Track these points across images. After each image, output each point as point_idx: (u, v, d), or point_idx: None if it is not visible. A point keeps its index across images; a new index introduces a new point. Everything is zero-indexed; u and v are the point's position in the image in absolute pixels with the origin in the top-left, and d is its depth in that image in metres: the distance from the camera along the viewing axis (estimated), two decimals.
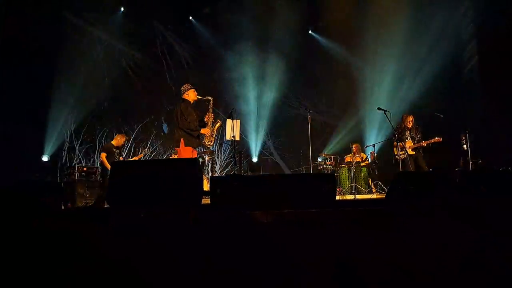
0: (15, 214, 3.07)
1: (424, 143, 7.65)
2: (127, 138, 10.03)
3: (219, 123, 6.63)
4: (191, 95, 6.40)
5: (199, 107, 6.71)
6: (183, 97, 6.42)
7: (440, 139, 7.67)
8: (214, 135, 6.56)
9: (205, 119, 6.52)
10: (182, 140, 6.05)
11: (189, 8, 12.62)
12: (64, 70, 10.90)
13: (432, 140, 7.66)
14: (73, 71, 11.20)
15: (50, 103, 10.75)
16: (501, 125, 9.69)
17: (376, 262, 2.47)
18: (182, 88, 6.50)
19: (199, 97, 6.57)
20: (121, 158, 8.60)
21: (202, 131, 6.37)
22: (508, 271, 2.45)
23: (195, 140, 6.24)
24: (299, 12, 12.58)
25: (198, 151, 7.29)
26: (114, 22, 12.01)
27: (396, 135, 7.77)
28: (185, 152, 6.03)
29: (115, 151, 8.37)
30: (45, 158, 10.56)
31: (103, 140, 11.69)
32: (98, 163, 8.60)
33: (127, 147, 11.75)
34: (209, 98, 6.65)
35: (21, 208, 3.22)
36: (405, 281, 2.41)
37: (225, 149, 12.64)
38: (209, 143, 6.51)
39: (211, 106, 6.63)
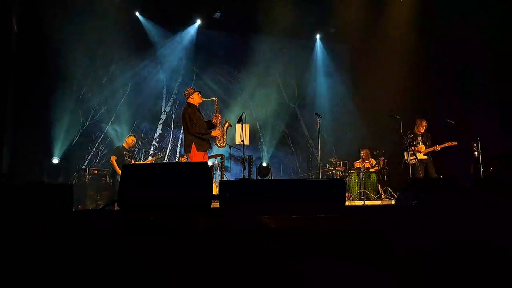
0: (26, 215, 3.10)
1: (438, 147, 7.59)
2: (137, 138, 10.05)
3: (227, 123, 6.56)
4: (195, 98, 6.38)
5: (205, 108, 6.67)
6: (188, 101, 6.39)
7: (456, 143, 7.61)
8: (225, 136, 6.52)
9: (213, 121, 6.48)
10: (193, 145, 6.03)
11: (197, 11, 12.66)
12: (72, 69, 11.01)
13: (447, 144, 7.60)
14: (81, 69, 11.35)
15: (60, 103, 10.82)
16: None
17: (385, 268, 2.46)
18: (186, 92, 6.47)
19: (204, 99, 6.55)
20: (132, 161, 8.64)
21: (213, 133, 6.33)
22: None
23: (206, 143, 6.24)
24: (308, 16, 12.59)
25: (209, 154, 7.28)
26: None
27: (408, 140, 7.73)
28: (197, 157, 6.02)
29: (125, 154, 8.43)
30: (55, 161, 10.58)
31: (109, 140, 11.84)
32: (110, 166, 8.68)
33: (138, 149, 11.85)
34: (214, 98, 6.62)
35: (32, 210, 3.26)
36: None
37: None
38: (220, 144, 6.47)
39: (217, 106, 6.58)
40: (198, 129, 6.10)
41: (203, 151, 6.13)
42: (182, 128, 6.41)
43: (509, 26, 9.59)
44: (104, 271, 2.35)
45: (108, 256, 2.43)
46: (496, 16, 9.95)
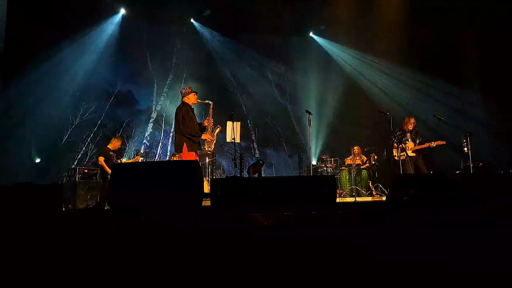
0: (16, 215, 3.07)
1: (433, 144, 7.65)
2: (122, 141, 9.98)
3: (219, 129, 6.56)
4: (191, 99, 6.34)
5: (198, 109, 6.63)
6: (183, 100, 6.35)
7: (444, 142, 7.68)
8: (214, 141, 6.50)
9: (205, 124, 6.45)
10: (185, 145, 5.98)
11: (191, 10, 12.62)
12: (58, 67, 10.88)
13: (439, 142, 7.67)
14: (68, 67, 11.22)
15: (48, 102, 10.67)
16: (502, 127, 9.69)
17: (376, 264, 2.47)
18: (183, 91, 6.42)
19: (199, 100, 6.51)
20: (120, 161, 8.60)
21: (204, 136, 6.29)
22: (507, 270, 2.44)
23: (197, 145, 6.20)
24: (299, 14, 12.60)
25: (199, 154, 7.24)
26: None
27: (396, 137, 7.77)
28: (189, 157, 5.98)
29: (112, 155, 8.40)
30: (37, 160, 10.39)
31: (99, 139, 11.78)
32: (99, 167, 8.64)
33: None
34: (209, 102, 6.59)
35: (22, 210, 3.23)
36: (405, 283, 2.41)
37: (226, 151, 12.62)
38: (209, 148, 6.44)
39: (211, 110, 6.56)
40: (189, 130, 6.06)
41: (194, 152, 6.09)
42: (173, 126, 6.34)
43: (497, 24, 9.69)
44: (95, 268, 2.33)
45: (99, 255, 2.42)
46: (484, 14, 10.05)
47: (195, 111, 6.55)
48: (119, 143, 8.81)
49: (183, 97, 6.38)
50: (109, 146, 8.58)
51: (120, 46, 12.14)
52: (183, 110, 6.16)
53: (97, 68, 12.03)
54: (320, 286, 2.32)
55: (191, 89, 6.45)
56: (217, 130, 6.53)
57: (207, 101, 6.62)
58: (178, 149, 6.09)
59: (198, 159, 6.31)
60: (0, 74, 9.02)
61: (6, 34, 9.10)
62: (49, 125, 10.66)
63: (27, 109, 10.03)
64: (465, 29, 10.93)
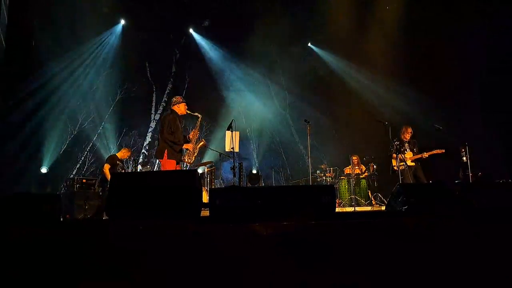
0: (13, 225, 3.05)
1: (425, 155, 7.63)
2: (131, 153, 9.95)
3: (202, 142, 6.45)
4: (181, 108, 6.29)
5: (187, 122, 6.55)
6: (172, 108, 6.31)
7: (443, 150, 7.65)
8: (195, 153, 6.36)
9: (190, 137, 6.38)
10: (166, 152, 5.91)
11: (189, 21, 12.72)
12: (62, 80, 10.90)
13: (434, 152, 7.64)
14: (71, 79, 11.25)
15: (48, 112, 10.67)
16: (501, 137, 9.70)
17: (376, 274, 2.46)
18: (174, 99, 6.39)
19: (189, 112, 6.44)
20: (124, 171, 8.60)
21: (185, 146, 6.20)
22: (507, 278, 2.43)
23: (178, 154, 6.09)
24: (298, 25, 12.69)
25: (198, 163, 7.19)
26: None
27: (395, 147, 7.75)
28: (169, 165, 5.90)
29: (118, 164, 8.37)
30: (43, 170, 10.41)
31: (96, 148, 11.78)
32: (100, 174, 8.58)
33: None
34: (198, 115, 6.51)
35: (19, 219, 3.21)
36: None
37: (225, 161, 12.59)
38: (189, 160, 6.28)
39: (198, 123, 6.51)
40: (171, 137, 5.99)
41: (175, 160, 6.00)
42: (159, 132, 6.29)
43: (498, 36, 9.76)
44: (93, 279, 2.31)
45: (96, 265, 2.40)
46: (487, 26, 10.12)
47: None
48: (128, 153, 8.82)
49: (172, 105, 6.34)
50: (117, 155, 8.57)
51: (120, 55, 12.21)
52: (170, 117, 6.13)
53: (97, 78, 12.10)
54: None
55: (182, 99, 6.41)
56: (200, 143, 6.40)
57: (196, 114, 6.51)
58: (159, 154, 6.02)
59: (179, 167, 6.21)
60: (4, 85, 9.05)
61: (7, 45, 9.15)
62: (51, 134, 10.69)
63: (35, 119, 10.07)
64: (463, 40, 10.99)
